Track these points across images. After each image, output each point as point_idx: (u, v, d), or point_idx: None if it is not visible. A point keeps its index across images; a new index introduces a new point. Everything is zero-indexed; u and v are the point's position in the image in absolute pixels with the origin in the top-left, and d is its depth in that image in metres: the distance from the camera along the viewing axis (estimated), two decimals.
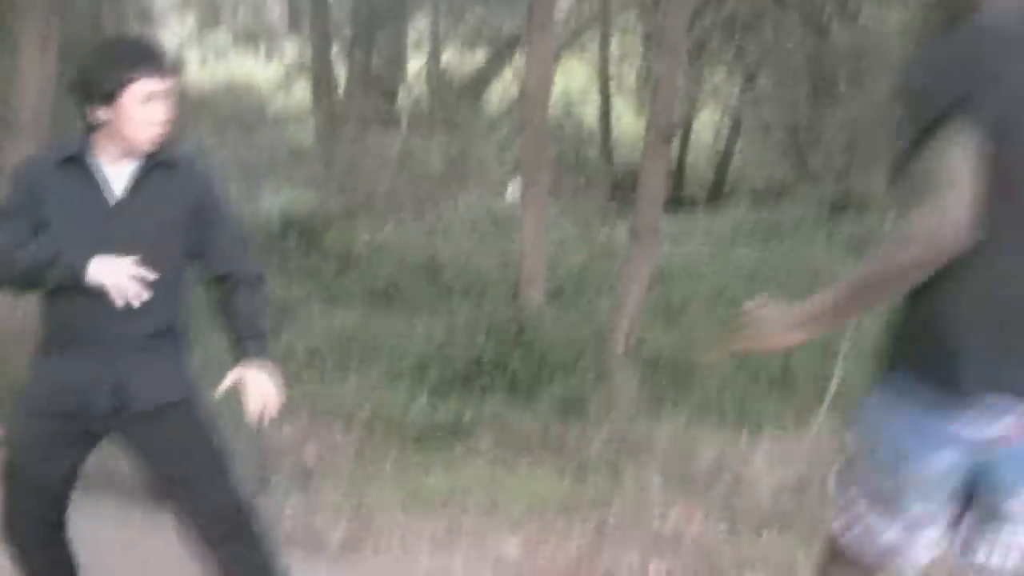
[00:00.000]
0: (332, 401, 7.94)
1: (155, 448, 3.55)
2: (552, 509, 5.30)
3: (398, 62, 19.24)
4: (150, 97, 3.49)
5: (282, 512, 5.35)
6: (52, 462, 3.51)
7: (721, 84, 18.12)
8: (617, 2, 18.13)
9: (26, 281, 3.49)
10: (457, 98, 17.50)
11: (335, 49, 18.44)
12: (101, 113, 3.48)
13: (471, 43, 18.83)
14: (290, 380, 8.65)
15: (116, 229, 3.51)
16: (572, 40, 18.68)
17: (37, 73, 7.24)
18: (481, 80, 18.59)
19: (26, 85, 7.24)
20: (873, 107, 14.59)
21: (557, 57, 10.13)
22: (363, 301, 11.65)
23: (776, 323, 2.86)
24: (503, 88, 18.50)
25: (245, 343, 3.61)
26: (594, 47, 19.93)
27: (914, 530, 2.73)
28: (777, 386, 9.20)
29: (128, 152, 3.52)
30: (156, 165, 3.54)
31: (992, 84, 2.44)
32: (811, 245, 14.58)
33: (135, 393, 3.46)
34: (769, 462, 5.86)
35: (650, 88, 10.44)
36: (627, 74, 20.93)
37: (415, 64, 19.01)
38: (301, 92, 17.13)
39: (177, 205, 3.56)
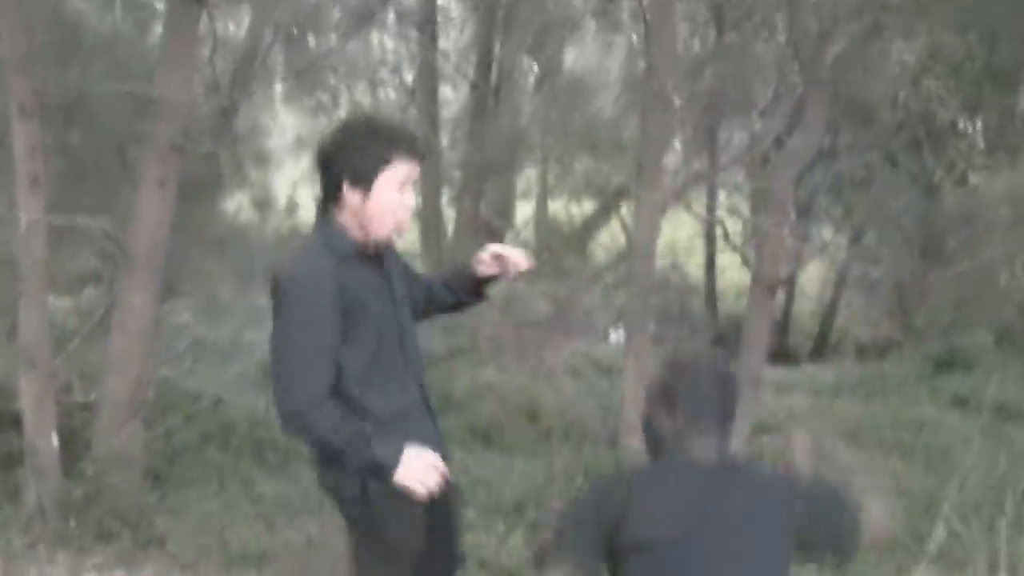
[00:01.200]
0: None
1: None
2: None
3: (507, 209, 19.49)
4: (404, 182, 3.42)
5: None
6: None
7: (828, 239, 18.12)
8: (726, 158, 18.29)
9: (329, 454, 3.44)
10: (564, 245, 17.64)
11: (445, 195, 18.76)
12: (353, 196, 3.39)
13: (579, 192, 19.02)
14: None
15: (405, 316, 3.51)
16: (679, 193, 18.82)
17: (156, 209, 7.43)
18: (588, 228, 18.73)
19: (145, 220, 7.43)
20: (980, 267, 14.49)
21: (664, 209, 10.24)
22: (462, 442, 11.68)
23: None
24: (610, 237, 18.61)
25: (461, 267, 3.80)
26: (701, 198, 20.06)
27: None
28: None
29: (366, 237, 3.45)
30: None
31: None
32: (915, 402, 14.41)
33: None
34: None
35: (756, 241, 10.48)
36: (733, 226, 21.01)
37: (523, 211, 19.25)
38: (411, 236, 17.37)
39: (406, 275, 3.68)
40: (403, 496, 3.41)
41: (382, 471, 3.39)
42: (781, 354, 17.02)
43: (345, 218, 3.42)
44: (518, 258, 3.79)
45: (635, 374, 10.88)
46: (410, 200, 3.47)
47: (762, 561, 2.91)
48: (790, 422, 12.96)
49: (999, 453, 9.58)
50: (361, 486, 3.42)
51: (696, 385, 3.03)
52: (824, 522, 3.05)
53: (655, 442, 3.12)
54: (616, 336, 16.02)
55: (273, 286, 3.41)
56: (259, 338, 13.45)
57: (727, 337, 16.64)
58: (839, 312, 19.35)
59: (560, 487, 9.27)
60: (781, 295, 16.91)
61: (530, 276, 15.59)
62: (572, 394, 13.45)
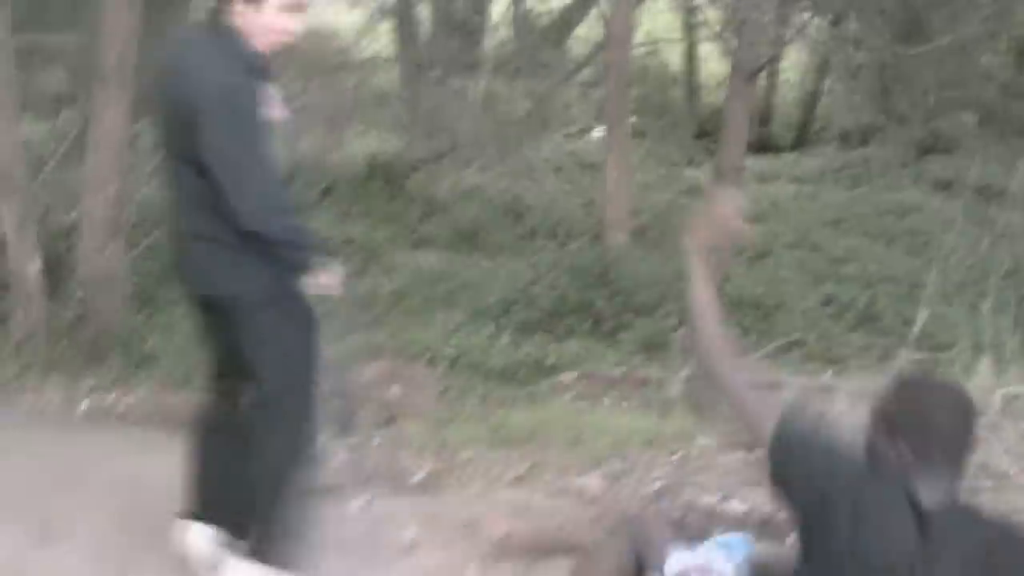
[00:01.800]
0: (416, 341, 8.02)
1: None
2: (635, 444, 5.31)
3: (482, 6, 19.15)
4: (293, 6, 3.55)
5: (368, 449, 5.43)
6: None
7: (808, 24, 17.87)
8: None
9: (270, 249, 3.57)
10: (541, 41, 17.38)
11: None
12: (246, 8, 3.51)
13: None
14: (375, 321, 8.80)
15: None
16: None
17: (123, 21, 7.27)
18: (565, 23, 18.41)
19: (112, 33, 7.28)
20: (961, 49, 14.33)
21: (641, 0, 10.09)
22: (447, 244, 11.70)
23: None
24: (588, 31, 18.33)
25: None
26: None
27: None
28: (862, 325, 9.14)
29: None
30: None
31: None
32: (898, 187, 14.42)
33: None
34: (852, 399, 5.82)
35: (735, 30, 10.31)
36: (712, 16, 20.71)
37: (499, 8, 18.92)
38: (385, 37, 17.07)
39: None
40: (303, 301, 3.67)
41: (308, 268, 3.61)
42: (763, 145, 16.91)
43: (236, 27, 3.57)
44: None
45: (617, 168, 10.84)
46: (295, 25, 3.58)
47: None
48: (774, 211, 12.97)
49: (982, 235, 9.62)
50: (271, 285, 3.54)
51: (928, 416, 2.54)
52: None
53: (876, 462, 2.58)
54: (598, 132, 15.89)
55: (204, 96, 3.47)
56: None
57: (708, 127, 16.54)
58: (821, 99, 19.19)
59: (545, 286, 9.30)
60: (763, 85, 16.73)
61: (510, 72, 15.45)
62: (555, 192, 13.41)
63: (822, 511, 2.46)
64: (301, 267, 3.59)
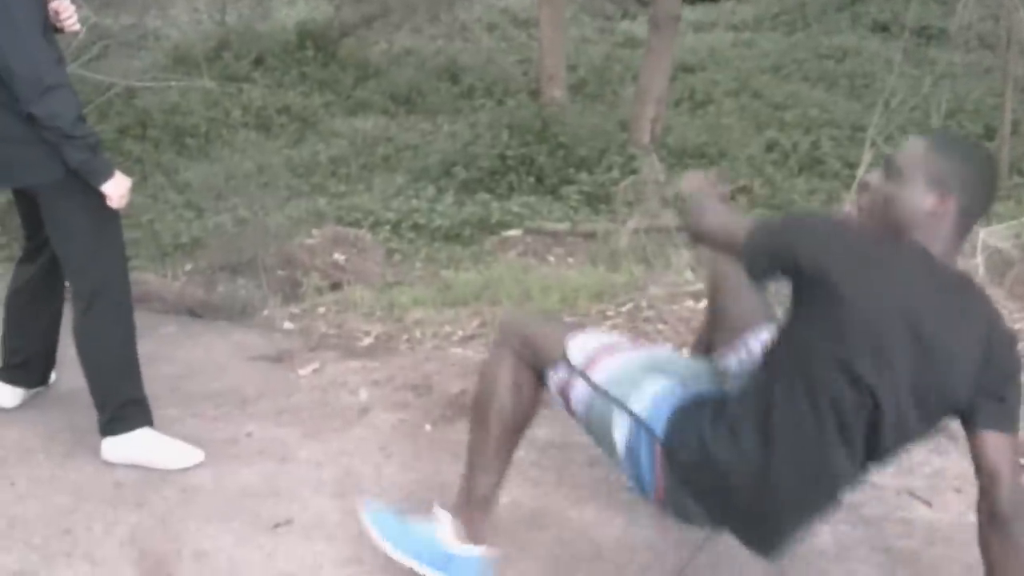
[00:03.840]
0: (359, 206, 7.94)
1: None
2: (585, 297, 5.28)
3: None
4: None
5: (315, 314, 5.38)
6: None
7: None
8: None
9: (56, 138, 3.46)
10: None
11: None
12: None
13: None
14: (315, 188, 8.71)
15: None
16: None
17: None
18: None
19: None
20: None
21: None
22: (384, 108, 11.56)
23: (696, 184, 2.94)
24: None
25: None
26: None
27: None
28: (807, 169, 9.13)
29: None
30: None
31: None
32: (836, 30, 14.35)
33: None
34: None
35: None
36: None
37: None
38: None
39: None
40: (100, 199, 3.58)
41: (96, 175, 3.50)
42: None
43: None
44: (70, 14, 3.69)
45: (550, 24, 10.71)
46: None
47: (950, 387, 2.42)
48: (712, 60, 12.89)
49: (922, 76, 9.58)
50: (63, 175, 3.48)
51: (978, 174, 2.44)
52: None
53: (890, 219, 2.47)
54: None
55: None
56: (161, 24, 13.09)
57: None
58: None
59: (486, 144, 9.21)
60: None
61: None
62: (490, 50, 13.26)
63: (829, 263, 2.36)
64: (88, 168, 3.47)
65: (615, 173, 8.40)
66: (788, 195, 8.38)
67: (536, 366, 2.78)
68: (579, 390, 2.69)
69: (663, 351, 3.10)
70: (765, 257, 2.44)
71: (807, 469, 2.43)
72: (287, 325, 5.24)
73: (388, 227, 7.51)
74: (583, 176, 8.54)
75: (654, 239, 6.35)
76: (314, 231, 6.72)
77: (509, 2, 15.77)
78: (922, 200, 2.39)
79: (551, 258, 6.90)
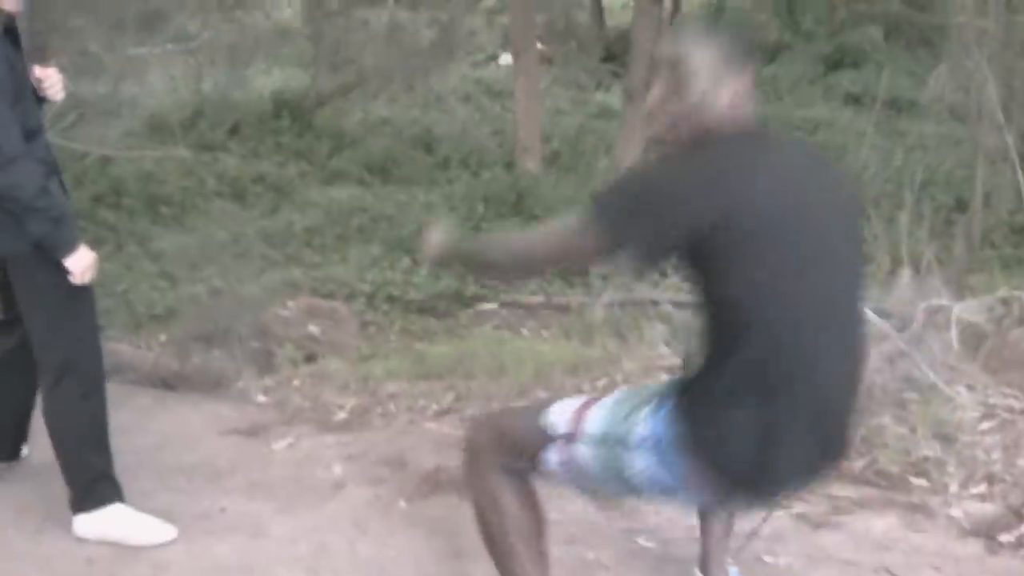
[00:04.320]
0: (334, 277, 7.94)
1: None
2: (560, 370, 5.28)
3: None
4: None
5: (290, 386, 5.36)
6: None
7: None
8: None
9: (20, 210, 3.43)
10: None
11: None
12: None
13: None
14: (290, 259, 8.69)
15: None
16: None
17: None
18: None
19: None
20: None
21: None
22: (360, 178, 11.59)
23: (434, 246, 2.92)
24: None
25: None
26: None
27: None
28: None
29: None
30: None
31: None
32: (808, 101, 14.49)
33: None
34: None
35: None
36: None
37: None
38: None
39: None
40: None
41: (59, 248, 3.47)
42: None
43: None
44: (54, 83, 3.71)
45: (525, 95, 10.79)
46: None
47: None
48: None
49: (894, 147, 9.67)
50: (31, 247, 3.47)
51: (725, 43, 2.56)
52: None
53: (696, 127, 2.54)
54: (505, 59, 15.81)
55: None
56: (137, 92, 13.10)
57: (616, 49, 16.51)
58: (725, 15, 19.24)
59: (461, 214, 9.24)
60: (667, 6, 16.73)
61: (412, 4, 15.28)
62: (465, 121, 13.33)
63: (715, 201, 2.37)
64: (50, 241, 3.45)
65: None
66: None
67: (523, 462, 2.73)
68: (582, 452, 2.64)
69: (629, 387, 3.08)
70: (653, 240, 2.46)
71: (832, 331, 2.45)
72: (261, 398, 5.22)
73: (363, 299, 7.52)
74: None
75: (628, 312, 6.36)
76: (289, 302, 6.70)
77: (484, 73, 15.88)
78: (715, 98, 2.53)
79: (525, 331, 6.90)
